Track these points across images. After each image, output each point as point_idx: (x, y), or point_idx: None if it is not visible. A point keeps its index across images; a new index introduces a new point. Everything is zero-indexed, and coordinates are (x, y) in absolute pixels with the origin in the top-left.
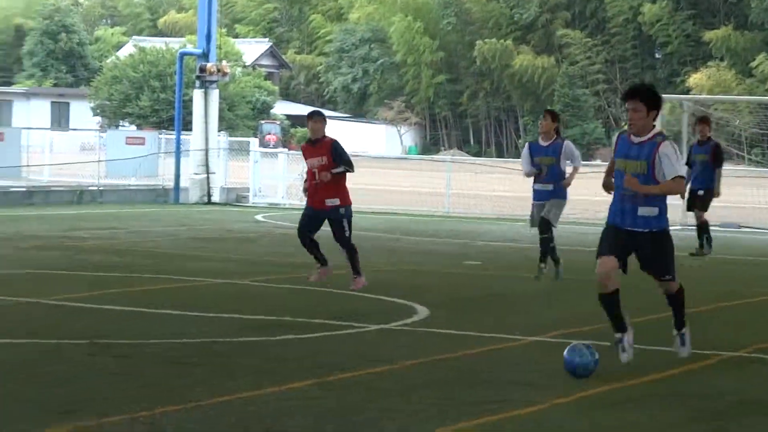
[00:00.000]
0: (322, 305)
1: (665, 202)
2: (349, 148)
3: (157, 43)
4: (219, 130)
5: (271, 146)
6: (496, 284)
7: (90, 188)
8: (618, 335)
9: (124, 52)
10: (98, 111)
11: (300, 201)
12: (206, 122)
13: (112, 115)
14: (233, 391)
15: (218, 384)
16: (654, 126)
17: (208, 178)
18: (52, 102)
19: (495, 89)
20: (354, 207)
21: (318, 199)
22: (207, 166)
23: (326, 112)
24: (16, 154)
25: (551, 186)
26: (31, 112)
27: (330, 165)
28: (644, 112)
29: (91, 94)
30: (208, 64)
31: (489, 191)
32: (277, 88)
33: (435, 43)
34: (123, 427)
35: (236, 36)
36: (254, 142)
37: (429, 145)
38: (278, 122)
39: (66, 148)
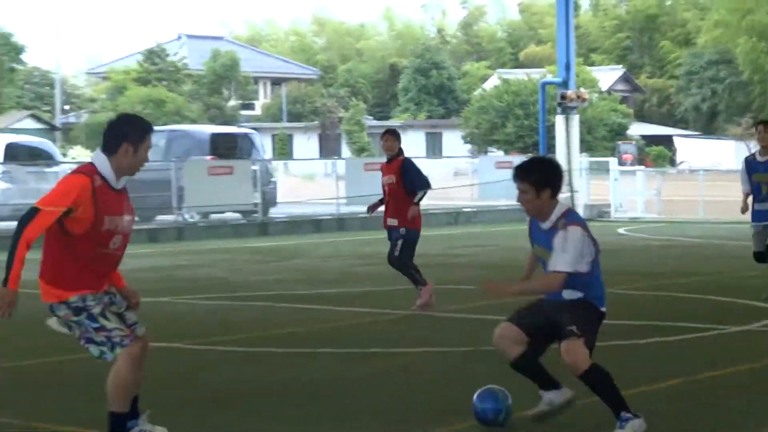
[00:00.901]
0: (685, 310)
1: (595, 286)
2: (700, 162)
3: (519, 74)
4: (580, 152)
5: (627, 164)
6: None
7: (465, 209)
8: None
9: (489, 84)
10: (468, 139)
11: (658, 214)
12: (568, 145)
13: (480, 142)
14: None
15: None
16: (556, 204)
17: (572, 196)
18: (426, 133)
19: None
20: (704, 217)
21: (386, 218)
22: (571, 185)
23: (677, 131)
24: None
25: None
26: (408, 143)
27: (398, 185)
28: (532, 194)
29: (461, 124)
30: (569, 92)
31: None
32: (631, 110)
33: None
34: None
35: (592, 64)
36: (613, 161)
37: None
38: (633, 142)
39: (440, 174)
